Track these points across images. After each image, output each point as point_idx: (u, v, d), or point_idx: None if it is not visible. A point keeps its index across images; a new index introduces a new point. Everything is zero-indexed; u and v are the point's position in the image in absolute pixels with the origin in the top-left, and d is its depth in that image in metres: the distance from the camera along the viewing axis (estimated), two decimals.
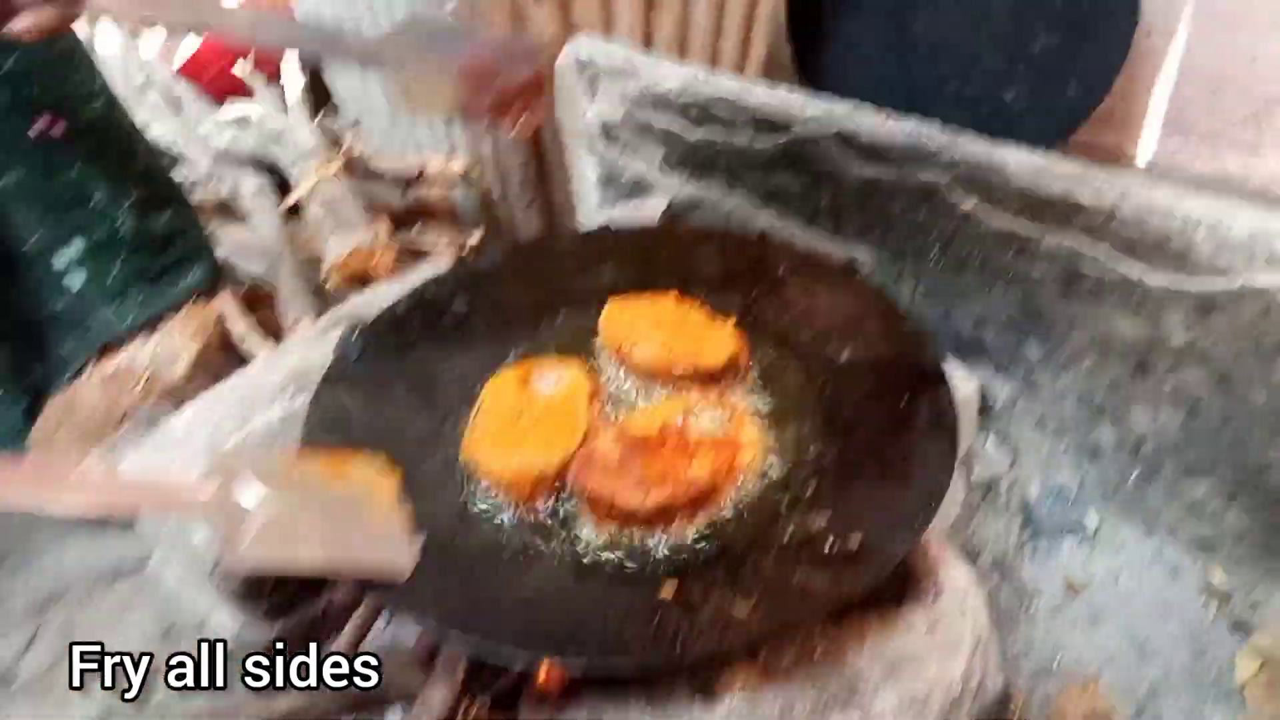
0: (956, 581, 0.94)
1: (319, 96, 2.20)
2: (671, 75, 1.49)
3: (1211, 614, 1.23)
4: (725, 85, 1.45)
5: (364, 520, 0.93)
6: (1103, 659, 1.20)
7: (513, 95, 1.08)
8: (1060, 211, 1.18)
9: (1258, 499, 1.18)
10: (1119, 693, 1.16)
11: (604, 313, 1.16)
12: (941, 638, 0.89)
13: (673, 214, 1.57)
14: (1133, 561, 1.31)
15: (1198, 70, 1.77)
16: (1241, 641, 1.20)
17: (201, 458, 1.11)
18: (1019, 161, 1.20)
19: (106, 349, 1.47)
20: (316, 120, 1.88)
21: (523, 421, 1.03)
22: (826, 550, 0.87)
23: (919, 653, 0.87)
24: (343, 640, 0.99)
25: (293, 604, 1.15)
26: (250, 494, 0.88)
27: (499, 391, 1.08)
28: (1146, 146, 1.78)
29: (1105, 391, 1.26)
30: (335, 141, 1.84)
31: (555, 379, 1.09)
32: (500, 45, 1.12)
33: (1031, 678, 1.18)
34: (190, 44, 2.50)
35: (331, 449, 0.98)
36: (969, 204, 1.24)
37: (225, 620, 1.15)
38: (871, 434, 1.00)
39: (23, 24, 0.95)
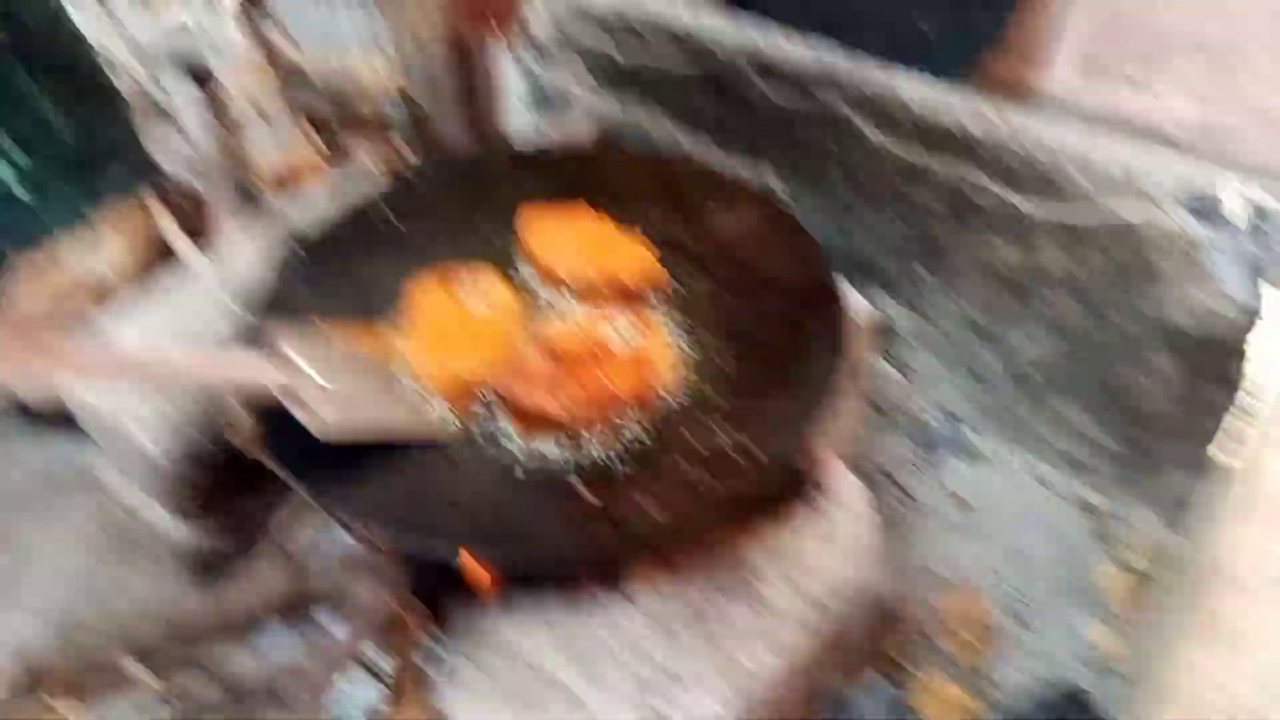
0: (847, 488, 1.01)
1: None
2: None
3: (1082, 529, 1.33)
4: (650, 5, 1.48)
5: (403, 385, 1.00)
6: (984, 569, 1.28)
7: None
8: (953, 142, 1.24)
9: (1122, 419, 1.28)
10: (998, 600, 1.25)
11: (521, 222, 1.18)
12: (831, 538, 0.96)
13: (599, 133, 1.59)
14: (1013, 479, 1.40)
15: (1098, 5, 1.81)
16: (1106, 553, 1.30)
17: None
18: (918, 93, 1.26)
19: (35, 246, 1.46)
20: (247, 21, 1.84)
21: (450, 326, 1.07)
22: (726, 456, 0.93)
23: (811, 552, 0.94)
24: (278, 541, 1.03)
25: (226, 506, 1.18)
26: (310, 368, 0.91)
27: (425, 297, 1.10)
28: (1049, 81, 1.82)
29: (987, 315, 1.35)
30: (265, 42, 1.81)
31: (478, 286, 1.12)
32: None
33: (919, 587, 1.26)
34: None
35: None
36: (871, 132, 1.31)
37: (168, 526, 1.18)
38: (773, 349, 1.05)
39: None
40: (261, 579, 1.03)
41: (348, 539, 1.05)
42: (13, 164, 1.41)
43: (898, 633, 1.21)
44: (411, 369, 1.03)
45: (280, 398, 0.88)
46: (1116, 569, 1.27)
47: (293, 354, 0.91)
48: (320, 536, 1.15)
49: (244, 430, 1.07)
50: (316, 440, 0.89)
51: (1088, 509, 1.35)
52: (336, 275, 1.15)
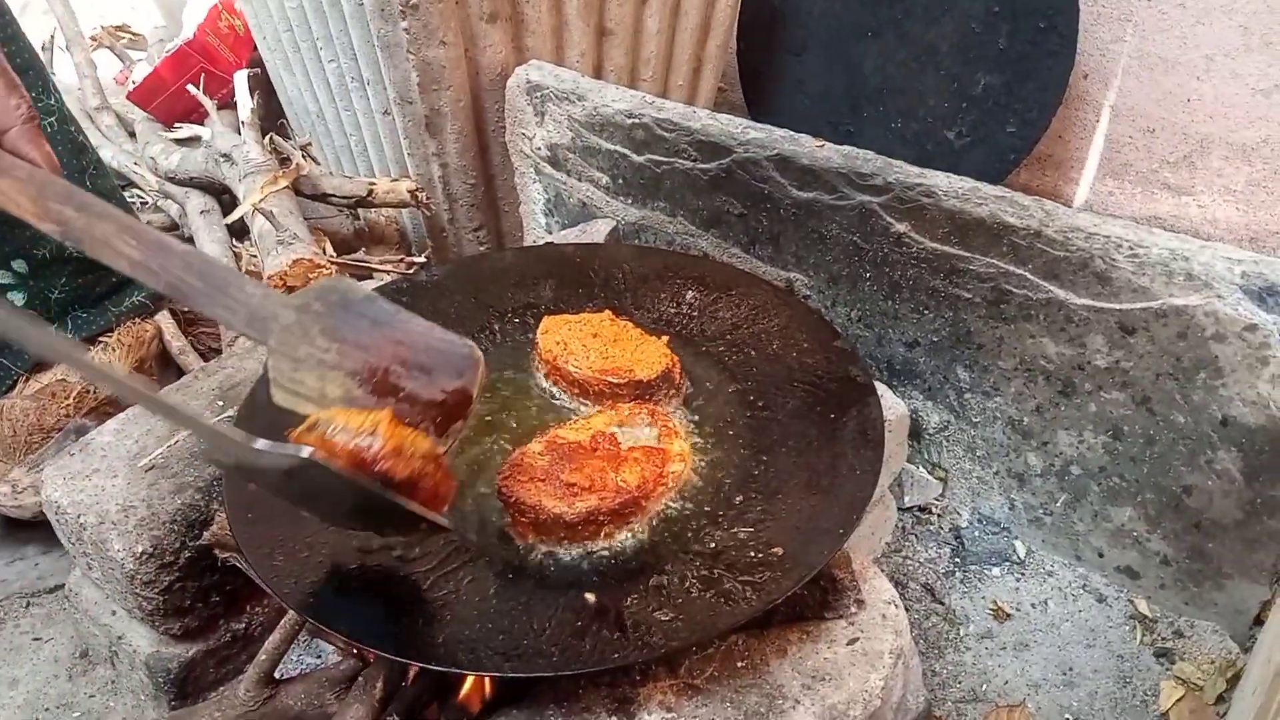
0: (879, 595, 0.94)
1: (273, 117, 2.20)
2: (619, 98, 1.51)
3: (1136, 642, 1.24)
4: (670, 108, 1.47)
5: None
6: (1029, 686, 1.20)
7: (423, 412, 0.84)
8: (988, 233, 1.20)
9: (1179, 524, 1.19)
10: (1045, 719, 1.16)
11: (540, 327, 1.16)
12: (862, 650, 0.88)
13: (618, 236, 1.58)
14: (1060, 589, 1.31)
15: (1133, 112, 1.81)
16: (1165, 669, 1.20)
17: (124, 471, 1.09)
18: (949, 184, 1.23)
19: (41, 364, 1.46)
20: (267, 139, 1.87)
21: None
22: (748, 561, 0.87)
23: (839, 665, 0.87)
24: (261, 661, 0.96)
25: (211, 624, 1.13)
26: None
27: None
28: (1082, 189, 1.80)
29: (1032, 415, 1.28)
30: (285, 160, 1.83)
31: None
32: (430, 342, 0.86)
33: (959, 703, 1.18)
34: (143, 69, 2.50)
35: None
36: (902, 226, 1.26)
37: (140, 641, 1.13)
38: (799, 448, 1.01)
39: None
40: (240, 700, 0.94)
41: (332, 654, 0.98)
42: (23, 284, 1.43)
43: None
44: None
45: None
46: (1175, 688, 1.18)
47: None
48: (303, 651, 1.09)
49: (220, 532, 1.01)
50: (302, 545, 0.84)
51: (1144, 622, 1.26)
52: None
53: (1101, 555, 1.29)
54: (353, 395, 0.83)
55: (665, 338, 1.13)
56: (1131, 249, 1.10)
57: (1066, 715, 1.16)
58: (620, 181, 1.56)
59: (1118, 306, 1.12)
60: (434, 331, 0.86)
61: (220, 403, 1.19)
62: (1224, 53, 1.67)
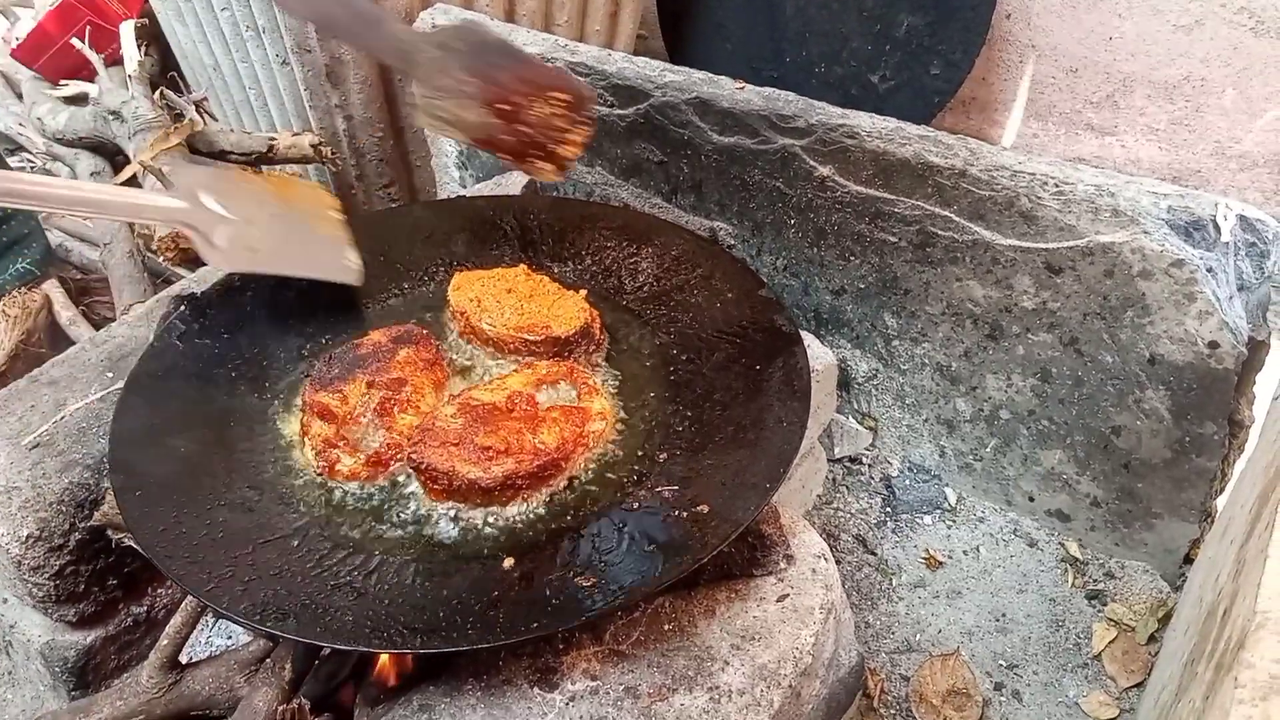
0: (809, 550, 0.91)
1: (167, 71, 2.08)
2: (530, 41, 1.44)
3: (1068, 585, 1.24)
4: (585, 51, 1.41)
5: (314, 232, 1.06)
6: (962, 633, 1.19)
7: (549, 135, 0.97)
8: (913, 174, 1.16)
9: (1109, 465, 1.19)
10: (979, 666, 1.15)
11: (452, 283, 1.11)
12: (792, 607, 0.86)
13: (535, 188, 1.52)
14: (991, 535, 1.30)
15: (1056, 52, 1.79)
16: (1097, 611, 1.20)
17: (5, 449, 1.02)
18: (872, 125, 1.19)
19: None
20: (158, 93, 1.76)
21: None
22: (674, 519, 0.83)
23: (769, 623, 0.84)
24: (163, 646, 0.90)
25: (109, 609, 1.06)
26: (217, 204, 1.01)
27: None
28: (1009, 133, 1.79)
29: (960, 360, 1.25)
30: (178, 116, 1.73)
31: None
32: (553, 76, 0.99)
33: (892, 654, 1.16)
34: (25, 26, 2.35)
35: (144, 432, 0.91)
36: (825, 169, 1.22)
37: (34, 629, 1.06)
38: (724, 401, 0.97)
39: None
40: (142, 687, 0.89)
41: (243, 635, 0.92)
42: None
43: (870, 708, 1.11)
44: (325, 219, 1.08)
45: (180, 227, 1.00)
46: (1107, 629, 1.18)
47: (201, 191, 1.01)
48: (212, 633, 1.03)
49: (111, 512, 0.95)
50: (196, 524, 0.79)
51: (1075, 565, 1.26)
52: (229, 341, 1.05)
53: (1032, 499, 1.28)
54: (487, 121, 0.96)
55: (583, 292, 1.09)
56: (1057, 186, 1.07)
57: (1000, 662, 1.15)
58: None
59: (1044, 246, 1.10)
60: (556, 69, 1.00)
61: (110, 374, 1.11)
62: None
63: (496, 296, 1.07)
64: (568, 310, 1.06)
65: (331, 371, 0.97)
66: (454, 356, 1.06)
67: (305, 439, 0.94)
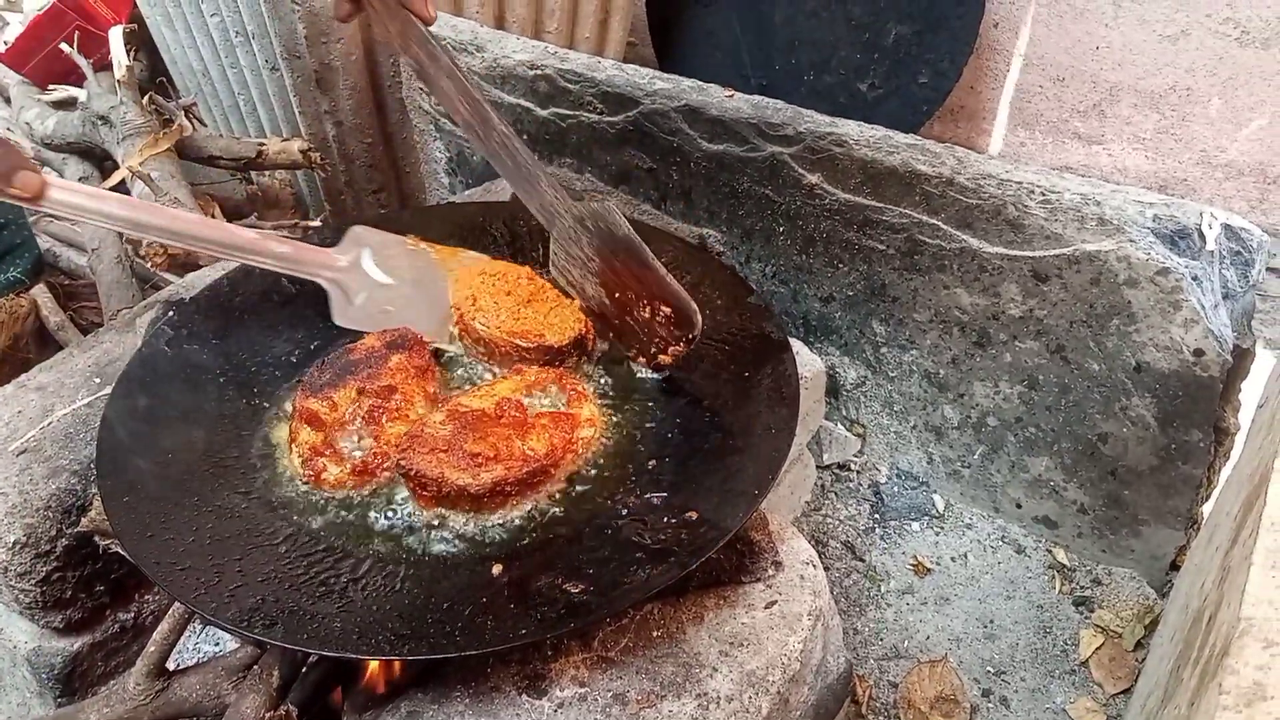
0: (797, 556, 0.91)
1: (156, 77, 2.08)
2: (520, 49, 1.44)
3: (1056, 591, 1.24)
4: (574, 58, 1.41)
5: (439, 296, 1.09)
6: (950, 640, 1.19)
7: (650, 337, 1.01)
8: (901, 182, 1.17)
9: (1096, 472, 1.19)
10: (967, 672, 1.15)
11: (451, 275, 1.11)
12: (780, 613, 0.86)
13: None
14: (979, 541, 1.31)
15: (1043, 61, 1.80)
16: (1085, 618, 1.21)
17: None
18: (860, 133, 1.19)
19: None
20: (146, 99, 1.76)
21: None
22: (663, 526, 0.83)
23: (757, 630, 0.84)
24: (150, 653, 0.90)
25: (96, 615, 1.06)
26: (378, 270, 1.09)
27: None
28: (995, 141, 1.79)
29: (948, 367, 1.26)
30: (167, 121, 1.73)
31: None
32: (666, 289, 1.00)
33: (880, 661, 1.17)
34: (14, 30, 2.34)
35: (131, 438, 0.91)
36: (814, 177, 1.23)
37: (21, 636, 1.05)
38: (714, 408, 0.98)
39: None
40: (129, 694, 0.88)
41: (232, 641, 0.92)
42: None
43: (858, 715, 1.11)
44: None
45: (326, 284, 1.06)
46: (1094, 636, 1.18)
47: (365, 254, 1.09)
48: (200, 639, 1.02)
49: (98, 518, 0.94)
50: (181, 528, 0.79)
51: (1062, 572, 1.26)
52: (217, 347, 1.05)
53: (1019, 506, 1.29)
54: (603, 300, 1.05)
55: (579, 301, 1.08)
56: (1044, 195, 1.08)
57: (988, 668, 1.16)
58: (524, 137, 1.50)
59: (1031, 254, 1.11)
60: (670, 280, 1.01)
61: (97, 380, 1.11)
62: None
63: (494, 297, 1.07)
64: (564, 320, 1.05)
65: (323, 376, 0.97)
66: (449, 359, 1.07)
67: (293, 446, 0.94)
